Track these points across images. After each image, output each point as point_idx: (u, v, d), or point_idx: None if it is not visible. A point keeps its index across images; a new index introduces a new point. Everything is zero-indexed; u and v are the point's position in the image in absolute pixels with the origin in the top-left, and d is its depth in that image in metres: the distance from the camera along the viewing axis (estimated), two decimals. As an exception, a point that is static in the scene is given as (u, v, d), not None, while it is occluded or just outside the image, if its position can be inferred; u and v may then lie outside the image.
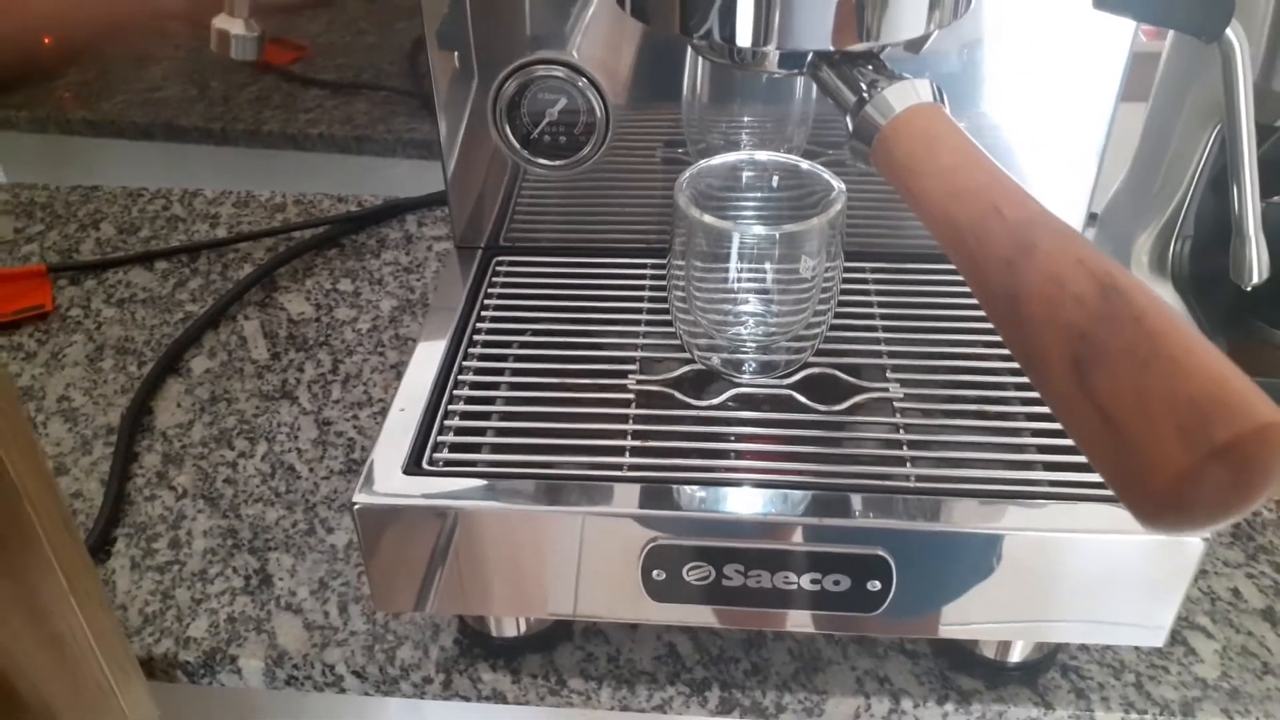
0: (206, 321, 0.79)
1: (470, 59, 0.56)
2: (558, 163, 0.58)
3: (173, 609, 0.58)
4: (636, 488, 0.46)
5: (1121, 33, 0.55)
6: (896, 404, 0.50)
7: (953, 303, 0.57)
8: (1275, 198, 0.75)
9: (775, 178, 0.51)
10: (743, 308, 0.50)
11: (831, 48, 0.38)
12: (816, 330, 0.51)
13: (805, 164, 0.49)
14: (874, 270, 0.59)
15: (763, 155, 0.50)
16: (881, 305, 0.56)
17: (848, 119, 0.38)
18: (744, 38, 0.38)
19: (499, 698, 0.56)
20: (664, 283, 0.57)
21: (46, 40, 1.13)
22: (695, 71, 0.56)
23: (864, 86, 0.37)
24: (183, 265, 0.87)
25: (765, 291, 0.49)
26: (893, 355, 0.53)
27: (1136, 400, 0.26)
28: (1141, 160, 0.78)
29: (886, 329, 0.55)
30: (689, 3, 0.38)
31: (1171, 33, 0.76)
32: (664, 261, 0.54)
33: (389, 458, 0.47)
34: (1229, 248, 0.56)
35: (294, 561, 0.61)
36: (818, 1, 0.37)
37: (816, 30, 0.38)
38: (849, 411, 0.50)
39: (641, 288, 0.58)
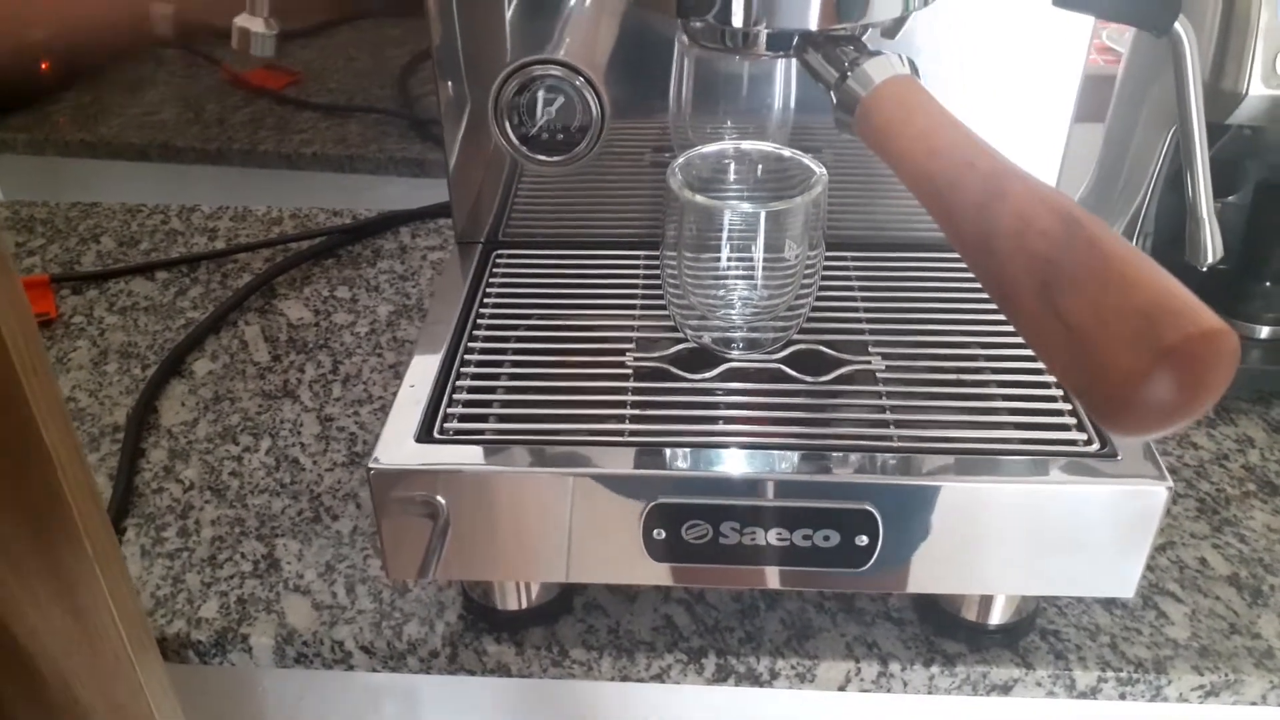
0: (208, 326, 0.82)
1: (472, 60, 0.60)
2: (555, 159, 0.61)
3: (183, 592, 0.60)
4: (637, 451, 0.48)
5: (1077, 45, 0.59)
6: (879, 375, 0.53)
7: (928, 285, 0.60)
8: (1230, 197, 0.80)
9: (760, 167, 0.55)
10: (731, 292, 0.53)
11: (816, 28, 0.42)
12: (800, 310, 0.54)
13: (787, 152, 0.53)
14: (854, 259, 0.62)
15: (748, 145, 0.54)
16: (862, 289, 0.60)
17: (831, 94, 0.41)
18: (737, 19, 0.41)
19: (503, 670, 0.58)
20: (657, 271, 0.60)
21: (44, 65, 1.16)
22: (682, 74, 0.60)
23: (846, 64, 0.41)
24: (183, 275, 0.89)
25: (751, 273, 0.52)
26: (874, 332, 0.56)
27: (1096, 313, 0.29)
28: (1104, 166, 0.83)
29: (867, 309, 0.58)
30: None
31: (1127, 49, 0.81)
32: (656, 254, 0.57)
33: (402, 428, 0.50)
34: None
35: (301, 547, 0.63)
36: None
37: (803, 10, 0.41)
38: (834, 382, 0.53)
39: (635, 276, 0.61)
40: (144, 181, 1.09)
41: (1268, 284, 0.75)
